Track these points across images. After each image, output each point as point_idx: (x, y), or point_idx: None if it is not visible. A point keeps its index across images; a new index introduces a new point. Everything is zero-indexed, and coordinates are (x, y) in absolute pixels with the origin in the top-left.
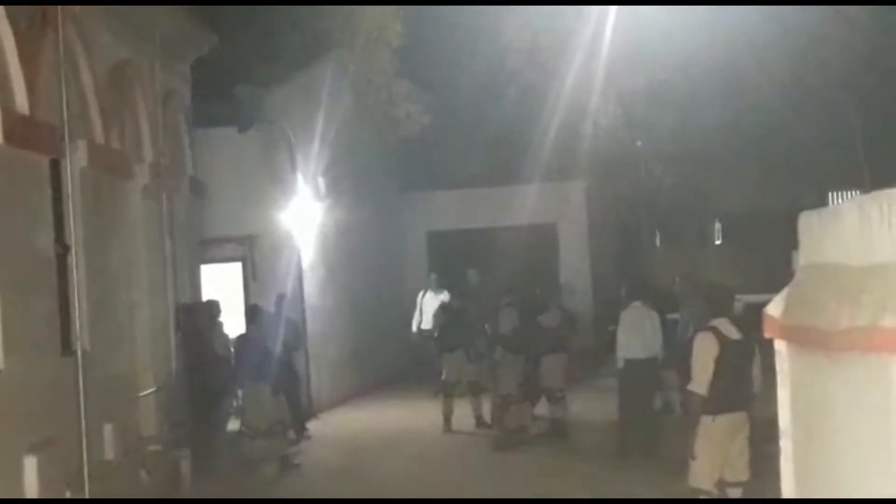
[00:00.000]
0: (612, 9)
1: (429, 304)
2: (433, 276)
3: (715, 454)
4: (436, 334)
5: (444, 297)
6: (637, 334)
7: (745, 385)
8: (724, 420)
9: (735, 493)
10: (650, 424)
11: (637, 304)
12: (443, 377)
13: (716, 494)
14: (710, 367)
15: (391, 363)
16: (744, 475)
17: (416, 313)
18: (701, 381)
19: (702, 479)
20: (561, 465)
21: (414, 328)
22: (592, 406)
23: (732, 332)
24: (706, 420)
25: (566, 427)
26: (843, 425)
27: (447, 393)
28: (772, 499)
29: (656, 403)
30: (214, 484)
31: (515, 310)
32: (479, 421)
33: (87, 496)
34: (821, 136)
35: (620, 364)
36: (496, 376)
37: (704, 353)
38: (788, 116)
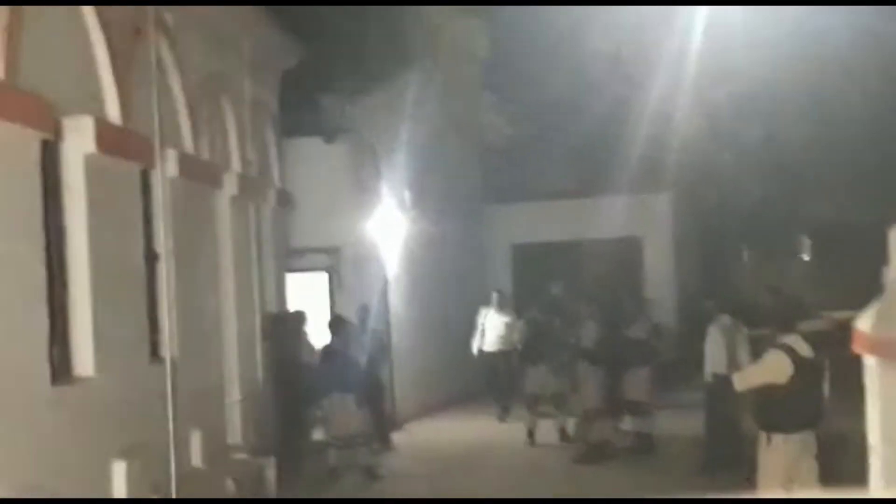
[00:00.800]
0: (699, 19)
1: (491, 324)
2: (495, 294)
3: (786, 472)
4: (519, 347)
5: (507, 318)
6: (725, 349)
7: (817, 403)
8: (796, 438)
9: None
10: (737, 441)
11: (725, 317)
12: (527, 390)
13: None
14: (762, 381)
15: (477, 376)
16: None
17: (477, 334)
18: (746, 382)
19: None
20: (645, 481)
21: (475, 350)
22: (677, 421)
23: (805, 350)
24: (778, 439)
25: (651, 441)
26: None
27: (531, 406)
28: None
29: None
30: (299, 493)
31: (595, 322)
32: (563, 434)
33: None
34: None
35: (708, 378)
36: (580, 390)
37: (770, 371)
38: (878, 129)
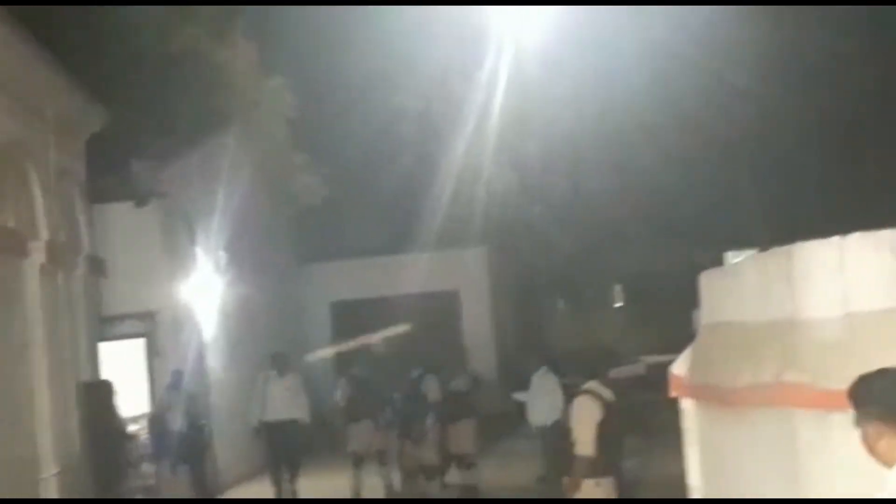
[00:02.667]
0: (502, 76)
1: (272, 390)
2: (275, 355)
3: None
4: (342, 404)
5: (290, 380)
6: (544, 400)
7: (621, 447)
8: (606, 483)
9: None
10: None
11: (543, 369)
12: (350, 448)
13: None
14: (594, 429)
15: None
16: None
17: (255, 402)
18: (586, 442)
19: None
20: None
21: (255, 422)
22: (502, 471)
23: (607, 394)
24: (589, 483)
25: (477, 492)
26: (752, 480)
27: (356, 464)
28: (767, 499)
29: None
30: None
31: (435, 377)
32: (389, 491)
33: None
34: (714, 197)
35: (534, 428)
36: (416, 444)
37: (587, 416)
38: (678, 180)
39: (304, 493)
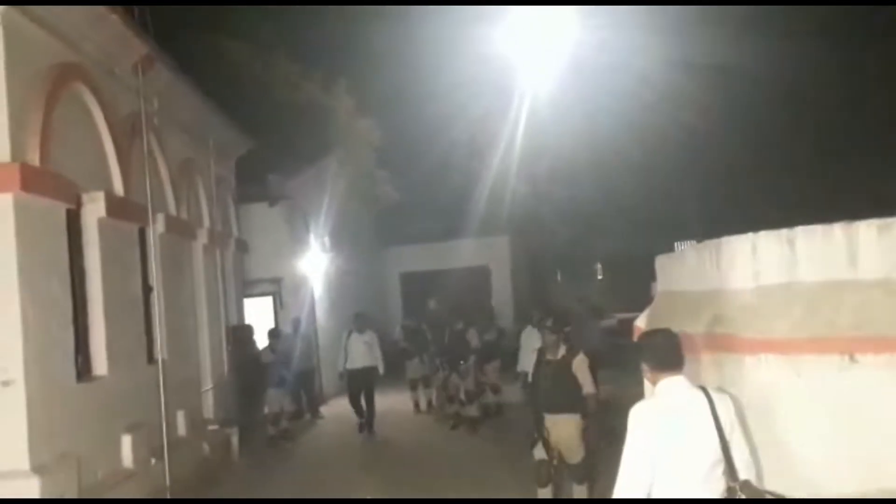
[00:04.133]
0: (522, 117)
1: (353, 345)
2: (357, 315)
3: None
4: (400, 346)
5: (367, 337)
6: (528, 353)
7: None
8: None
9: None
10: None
11: (528, 328)
12: (407, 376)
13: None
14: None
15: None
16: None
17: (340, 354)
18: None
19: None
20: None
21: (340, 368)
22: (516, 395)
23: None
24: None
25: (502, 409)
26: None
27: (412, 386)
28: (774, 499)
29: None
30: (254, 451)
31: (475, 329)
32: (430, 405)
33: (166, 464)
34: (667, 203)
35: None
36: (467, 377)
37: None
38: (642, 190)
39: (381, 404)
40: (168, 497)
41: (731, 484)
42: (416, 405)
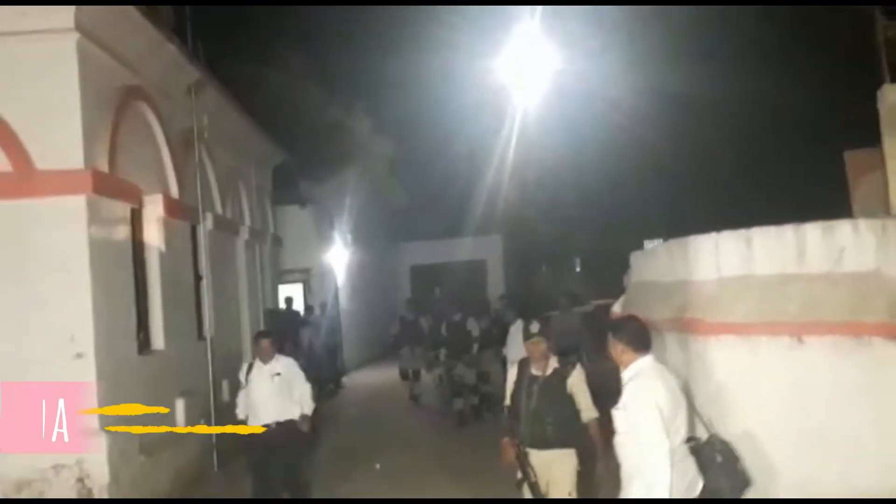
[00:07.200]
0: (514, 134)
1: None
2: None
3: None
4: (392, 335)
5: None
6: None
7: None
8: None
9: None
10: None
11: (518, 321)
12: (399, 365)
13: None
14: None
15: (387, 344)
16: None
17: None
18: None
19: None
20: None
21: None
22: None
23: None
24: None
25: (495, 398)
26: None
27: (403, 376)
28: (773, 499)
29: None
30: None
31: (475, 319)
32: (415, 399)
33: (213, 424)
34: (638, 206)
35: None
36: (471, 366)
37: None
38: (616, 196)
39: (389, 377)
40: (176, 497)
41: (696, 437)
42: (411, 394)
